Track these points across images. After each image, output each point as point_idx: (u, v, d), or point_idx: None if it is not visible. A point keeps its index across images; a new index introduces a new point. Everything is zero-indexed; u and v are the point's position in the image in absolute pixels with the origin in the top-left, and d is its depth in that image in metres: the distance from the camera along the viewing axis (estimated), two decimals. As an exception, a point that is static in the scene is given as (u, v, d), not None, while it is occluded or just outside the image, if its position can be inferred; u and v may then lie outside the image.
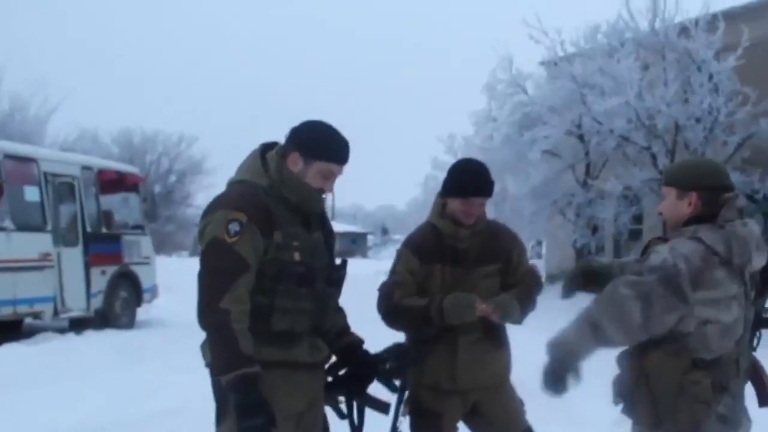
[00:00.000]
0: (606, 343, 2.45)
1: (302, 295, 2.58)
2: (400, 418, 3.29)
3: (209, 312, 2.43)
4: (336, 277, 2.75)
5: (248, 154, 2.71)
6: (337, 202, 72.80)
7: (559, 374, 2.52)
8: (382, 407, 2.92)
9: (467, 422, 3.36)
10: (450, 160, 22.11)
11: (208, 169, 41.59)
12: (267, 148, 2.71)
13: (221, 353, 2.42)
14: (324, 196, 2.69)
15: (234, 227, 2.45)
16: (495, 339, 3.28)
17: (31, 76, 44.55)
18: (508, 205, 19.42)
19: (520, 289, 3.22)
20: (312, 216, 2.70)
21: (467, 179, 3.24)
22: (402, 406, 3.28)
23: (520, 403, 3.34)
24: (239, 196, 2.55)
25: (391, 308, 3.22)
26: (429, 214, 3.37)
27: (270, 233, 2.51)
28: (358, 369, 2.84)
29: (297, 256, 2.56)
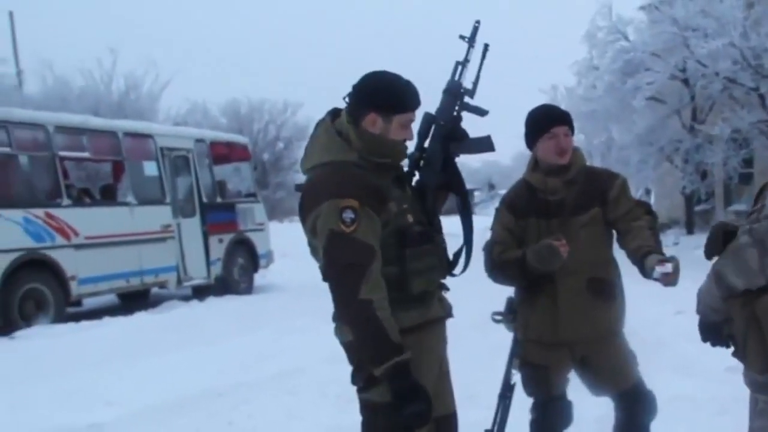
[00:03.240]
0: (729, 291, 2.42)
1: (428, 253, 2.56)
2: (512, 371, 3.32)
3: (350, 307, 2.37)
4: (439, 224, 2.70)
5: (318, 131, 2.58)
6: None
7: (708, 329, 2.60)
8: (480, 112, 2.76)
9: (578, 375, 3.34)
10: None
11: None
12: (334, 117, 2.57)
13: (371, 345, 2.37)
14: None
15: (348, 215, 2.35)
16: (601, 290, 3.19)
17: (142, 56, 45.97)
18: (614, 154, 19.03)
19: (653, 237, 3.05)
20: (400, 172, 2.63)
21: (543, 113, 3.23)
22: (513, 360, 3.31)
23: (632, 356, 3.26)
24: (340, 180, 2.43)
25: (492, 265, 3.25)
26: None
27: (384, 207, 2.45)
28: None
29: (410, 217, 2.52)
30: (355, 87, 2.52)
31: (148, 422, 5.23)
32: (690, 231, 18.69)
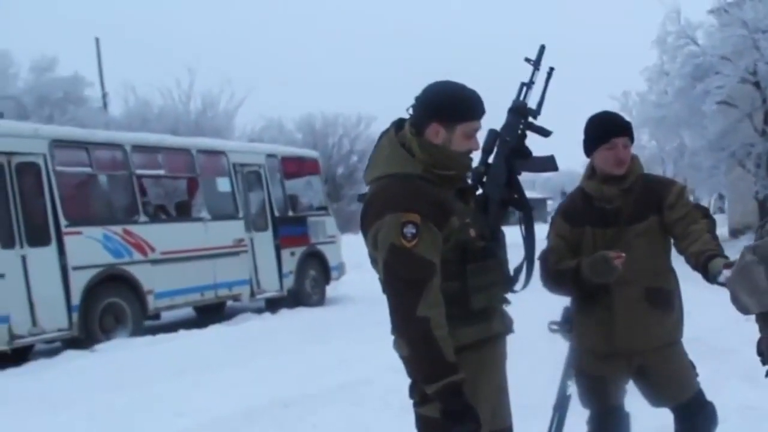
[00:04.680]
0: (746, 311, 2.36)
1: (490, 269, 2.52)
2: (568, 382, 3.27)
3: (407, 323, 2.35)
4: (502, 238, 2.67)
5: (382, 142, 2.55)
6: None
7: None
8: (544, 132, 2.78)
9: (636, 385, 3.26)
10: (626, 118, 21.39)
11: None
12: (398, 129, 2.53)
13: (425, 363, 2.36)
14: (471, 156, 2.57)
15: (409, 230, 2.32)
16: (659, 299, 3.13)
17: (219, 74, 47.33)
18: (686, 160, 18.63)
19: (713, 241, 2.96)
20: (464, 185, 2.61)
21: (603, 123, 3.18)
22: (569, 370, 3.27)
23: (691, 366, 3.18)
24: (403, 193, 2.39)
25: (546, 275, 3.21)
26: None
27: (446, 221, 2.41)
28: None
29: (472, 232, 2.48)
30: (417, 98, 2.50)
31: (216, 433, 5.35)
32: (764, 236, 18.01)
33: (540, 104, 2.77)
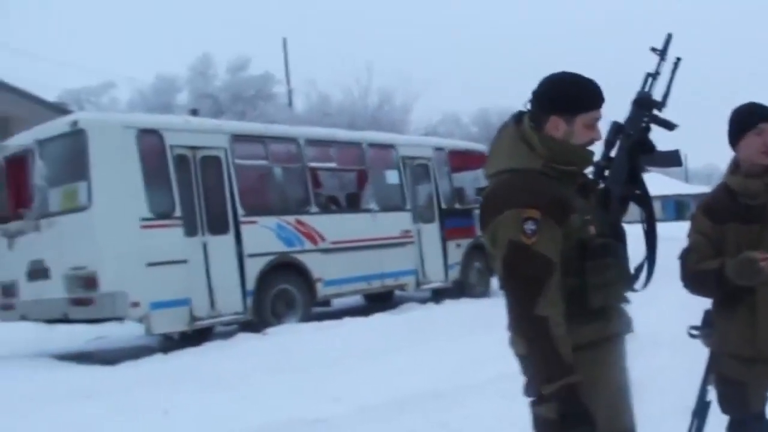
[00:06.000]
0: None
1: (609, 266, 2.45)
2: (708, 388, 3.11)
3: (527, 321, 2.31)
4: (623, 235, 2.58)
5: (502, 136, 2.51)
6: (690, 164, 67.68)
7: None
8: (669, 126, 2.67)
9: None
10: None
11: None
12: (518, 122, 2.48)
13: (542, 363, 2.34)
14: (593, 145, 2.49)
15: (530, 226, 2.28)
16: None
17: (397, 72, 48.20)
18: None
19: None
20: (584, 179, 2.55)
21: (751, 109, 3.01)
22: (709, 375, 3.10)
23: None
24: (524, 189, 2.36)
25: (687, 275, 3.06)
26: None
27: (566, 219, 2.36)
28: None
29: (592, 229, 2.41)
30: (534, 92, 2.46)
31: (367, 420, 5.48)
32: None
33: (666, 96, 2.64)
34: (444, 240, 12.66)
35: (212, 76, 29.51)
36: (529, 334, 2.32)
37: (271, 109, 27.35)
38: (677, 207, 49.65)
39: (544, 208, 2.30)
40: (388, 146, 12.55)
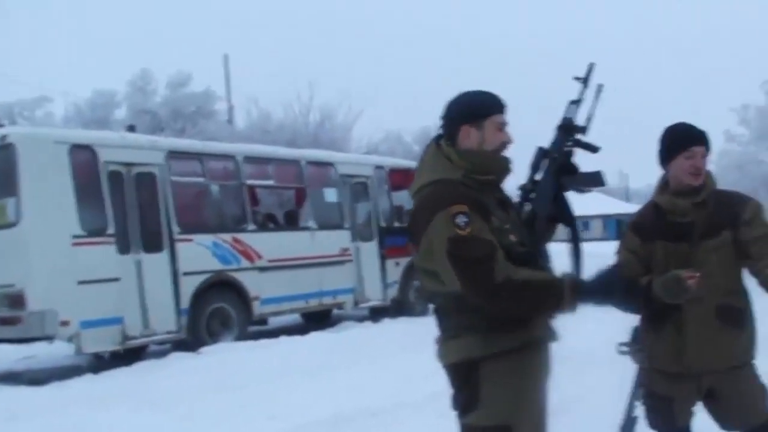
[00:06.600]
0: None
1: None
2: (635, 403, 3.16)
3: (495, 292, 2.37)
4: (546, 253, 2.67)
5: (424, 157, 2.65)
6: (632, 183, 69.34)
7: None
8: (592, 149, 2.77)
9: (705, 408, 3.10)
10: (744, 133, 20.38)
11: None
12: (437, 143, 2.64)
13: (543, 300, 2.44)
14: (507, 148, 2.62)
15: (461, 219, 2.38)
16: (731, 318, 2.99)
17: (337, 87, 48.35)
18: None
19: None
20: (503, 195, 2.64)
21: (682, 132, 3.09)
22: (637, 391, 3.16)
23: (763, 391, 3.00)
24: (447, 193, 2.46)
25: None
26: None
27: (489, 219, 2.45)
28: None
29: (513, 237, 2.50)
30: (442, 116, 2.62)
31: (302, 438, 5.44)
32: None
33: (588, 121, 2.76)
34: (383, 258, 12.67)
35: (152, 92, 29.05)
36: (507, 297, 2.38)
37: (211, 126, 27.01)
38: (618, 226, 50.67)
39: (470, 205, 2.41)
40: (327, 164, 12.55)
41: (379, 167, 13.31)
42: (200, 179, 10.55)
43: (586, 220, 58.46)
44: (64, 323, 8.36)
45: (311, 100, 28.61)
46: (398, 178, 13.50)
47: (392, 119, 65.86)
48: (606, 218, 50.23)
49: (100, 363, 9.39)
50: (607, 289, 2.43)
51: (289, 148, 16.00)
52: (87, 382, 7.87)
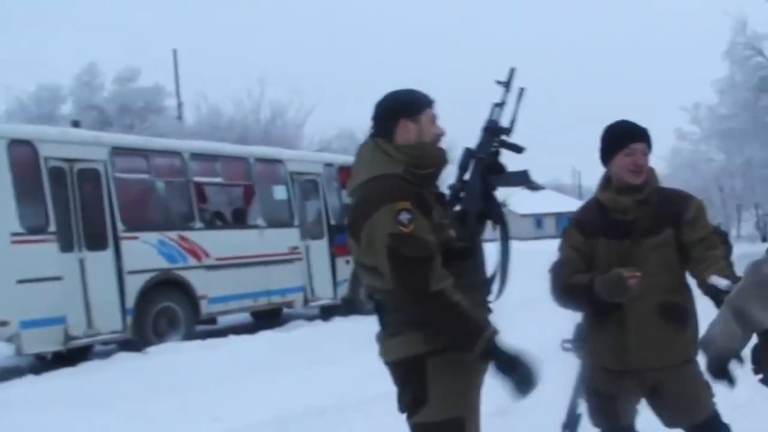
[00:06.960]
0: (755, 328, 2.20)
1: (470, 269, 2.58)
2: (578, 401, 3.17)
3: (425, 299, 2.39)
4: (480, 248, 2.71)
5: (361, 154, 2.66)
6: (584, 181, 70.41)
7: (720, 369, 2.37)
8: (517, 149, 2.86)
9: (649, 405, 3.13)
10: (695, 131, 20.89)
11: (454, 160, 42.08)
12: (374, 141, 2.66)
13: (460, 327, 2.42)
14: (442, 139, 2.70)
15: (405, 216, 2.39)
16: (673, 315, 3.01)
17: (288, 84, 47.86)
18: (756, 173, 17.95)
19: (729, 269, 2.87)
20: (438, 191, 2.68)
21: (622, 128, 3.13)
22: (580, 388, 3.17)
23: (706, 387, 3.02)
24: (390, 188, 2.47)
25: (558, 287, 3.12)
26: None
27: (430, 215, 2.48)
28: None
29: (451, 232, 2.55)
30: (375, 115, 2.66)
31: (248, 439, 5.37)
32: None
33: (512, 122, 2.85)
34: (333, 256, 12.58)
35: (99, 87, 28.40)
36: (434, 310, 2.40)
37: (161, 122, 26.56)
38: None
39: (414, 201, 2.43)
40: (276, 161, 12.42)
41: (329, 164, 13.22)
42: (145, 176, 10.34)
43: (540, 218, 59.30)
44: (3, 323, 8.12)
45: (262, 96, 28.35)
46: (349, 175, 13.38)
47: (345, 116, 65.71)
48: (559, 216, 50.92)
49: (42, 364, 9.16)
50: (513, 366, 2.44)
51: (239, 144, 15.77)
52: (28, 383, 7.66)
